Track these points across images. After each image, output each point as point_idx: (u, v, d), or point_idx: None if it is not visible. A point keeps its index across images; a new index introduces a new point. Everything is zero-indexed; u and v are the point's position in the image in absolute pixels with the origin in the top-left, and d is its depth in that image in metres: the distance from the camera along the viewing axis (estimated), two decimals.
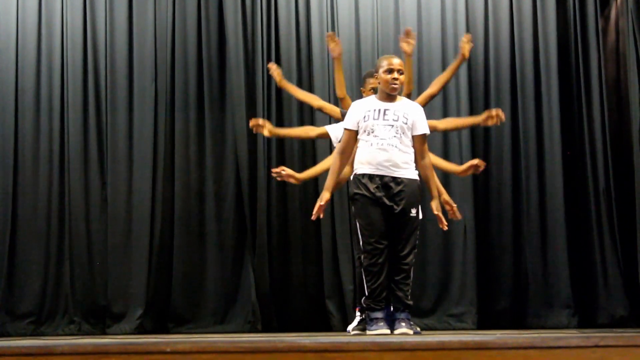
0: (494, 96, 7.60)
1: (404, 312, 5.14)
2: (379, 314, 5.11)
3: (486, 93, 7.62)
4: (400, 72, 5.14)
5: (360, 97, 5.60)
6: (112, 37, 7.63)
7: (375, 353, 3.14)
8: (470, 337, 3.66)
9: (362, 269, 5.19)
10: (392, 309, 5.23)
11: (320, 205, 5.10)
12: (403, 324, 5.07)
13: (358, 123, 5.15)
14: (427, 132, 5.24)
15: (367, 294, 5.16)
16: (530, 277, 7.28)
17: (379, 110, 5.14)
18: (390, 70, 5.13)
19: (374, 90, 5.46)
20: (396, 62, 5.17)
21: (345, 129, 5.26)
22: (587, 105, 7.40)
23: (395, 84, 5.11)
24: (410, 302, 5.20)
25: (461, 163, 7.28)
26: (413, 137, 5.15)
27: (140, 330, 7.16)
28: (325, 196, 5.13)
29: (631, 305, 6.97)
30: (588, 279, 7.20)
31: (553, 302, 7.18)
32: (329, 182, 5.20)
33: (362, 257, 5.18)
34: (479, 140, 7.51)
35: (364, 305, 5.26)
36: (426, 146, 5.23)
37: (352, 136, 5.18)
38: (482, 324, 7.19)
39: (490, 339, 3.35)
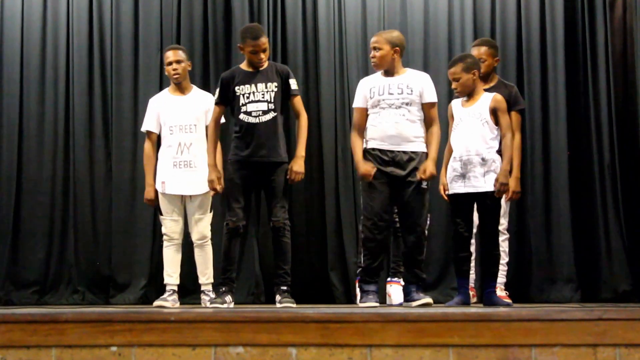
0: (500, 71, 7.54)
1: (418, 286, 5.21)
2: (372, 287, 5.18)
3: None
4: (375, 49, 5.28)
5: None
6: (117, 6, 7.61)
7: (379, 324, 3.15)
8: (473, 310, 3.67)
9: (361, 243, 5.25)
10: (398, 281, 5.30)
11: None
12: (421, 294, 5.14)
13: (365, 99, 5.24)
14: (434, 100, 5.29)
15: (362, 266, 5.23)
16: (534, 251, 7.27)
17: (384, 85, 5.24)
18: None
19: None
20: (372, 41, 5.35)
21: (355, 107, 5.32)
22: (593, 79, 7.35)
23: (373, 62, 5.32)
24: (424, 276, 5.29)
25: None
26: (422, 105, 5.21)
27: (144, 300, 7.18)
28: (371, 169, 5.18)
29: (634, 280, 6.96)
30: (591, 253, 7.19)
31: (556, 277, 7.17)
32: (360, 157, 5.23)
33: (362, 230, 5.23)
34: None
35: (359, 276, 5.34)
36: (435, 114, 5.27)
37: (363, 113, 5.26)
38: None
39: (494, 311, 3.36)
